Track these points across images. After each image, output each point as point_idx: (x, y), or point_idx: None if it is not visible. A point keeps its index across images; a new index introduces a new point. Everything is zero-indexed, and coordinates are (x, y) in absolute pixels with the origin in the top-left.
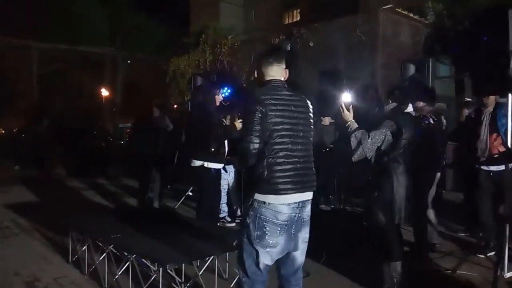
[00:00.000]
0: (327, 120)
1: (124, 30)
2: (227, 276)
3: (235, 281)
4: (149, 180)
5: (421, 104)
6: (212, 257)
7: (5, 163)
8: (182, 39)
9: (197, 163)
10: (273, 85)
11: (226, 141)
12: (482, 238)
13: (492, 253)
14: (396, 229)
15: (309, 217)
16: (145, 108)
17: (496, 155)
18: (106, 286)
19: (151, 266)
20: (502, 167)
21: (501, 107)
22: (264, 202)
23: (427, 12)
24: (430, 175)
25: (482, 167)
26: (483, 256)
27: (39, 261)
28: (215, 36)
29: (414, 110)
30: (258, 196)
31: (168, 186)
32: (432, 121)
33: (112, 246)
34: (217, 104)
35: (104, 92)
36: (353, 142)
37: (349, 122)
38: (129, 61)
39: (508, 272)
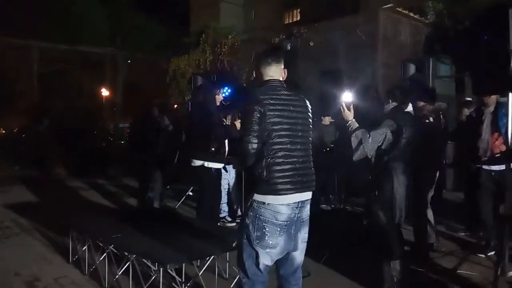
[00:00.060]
0: (327, 120)
1: (124, 30)
2: (227, 276)
3: (235, 281)
4: (148, 180)
5: (421, 103)
6: (213, 257)
7: (5, 163)
8: (182, 39)
9: (198, 162)
10: (272, 85)
11: (226, 141)
12: (483, 237)
13: (492, 252)
14: (397, 228)
15: (308, 217)
16: (144, 108)
17: (498, 155)
18: (106, 286)
19: (152, 266)
20: (504, 167)
21: (502, 107)
22: (264, 203)
23: (427, 11)
24: (430, 174)
25: (483, 166)
26: (483, 255)
27: (40, 261)
28: (215, 35)
29: (414, 109)
30: (257, 197)
31: (168, 187)
32: (432, 121)
33: (112, 246)
34: (218, 104)
35: (105, 92)
36: (354, 141)
37: (349, 122)
38: (129, 61)
39: (509, 271)
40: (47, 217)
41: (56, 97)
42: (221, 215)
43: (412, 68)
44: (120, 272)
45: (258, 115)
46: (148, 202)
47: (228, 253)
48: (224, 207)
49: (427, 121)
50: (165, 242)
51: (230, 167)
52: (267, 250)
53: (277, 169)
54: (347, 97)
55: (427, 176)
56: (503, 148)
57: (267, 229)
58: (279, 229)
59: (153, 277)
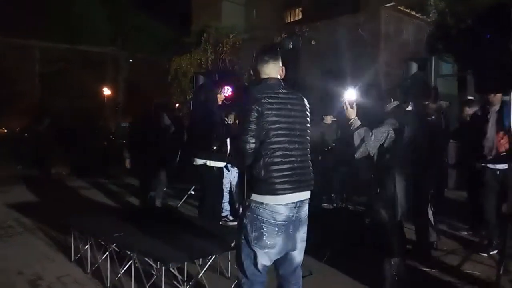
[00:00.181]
0: (329, 119)
1: (126, 29)
2: (229, 275)
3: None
4: (149, 179)
5: (423, 102)
6: (214, 255)
7: (8, 162)
8: (184, 38)
9: (200, 161)
10: (270, 83)
11: (228, 140)
12: (485, 236)
13: (495, 251)
14: (398, 227)
15: (306, 216)
16: (144, 107)
17: (503, 153)
18: (108, 285)
19: (154, 265)
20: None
21: (505, 105)
22: (262, 203)
23: (429, 10)
24: (431, 173)
25: (488, 165)
26: (485, 254)
27: (42, 260)
28: (217, 35)
29: (416, 108)
30: (255, 197)
31: (164, 189)
32: (433, 119)
33: (114, 245)
34: (219, 103)
35: (106, 92)
36: (356, 139)
37: (352, 119)
38: (130, 60)
39: None
40: (49, 216)
41: (57, 97)
42: (223, 214)
43: (414, 67)
44: (122, 271)
45: (256, 114)
46: (150, 201)
47: (230, 252)
48: (226, 206)
49: (429, 119)
50: (167, 241)
51: (231, 166)
52: (265, 250)
53: (275, 169)
54: (350, 95)
55: (428, 174)
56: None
57: (265, 229)
58: (277, 229)
59: (155, 276)
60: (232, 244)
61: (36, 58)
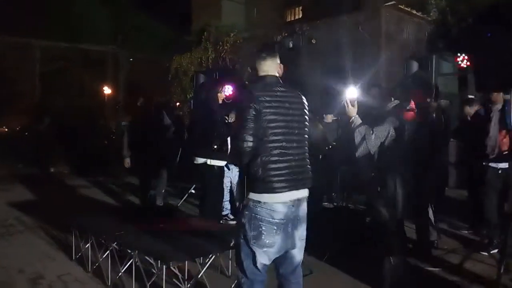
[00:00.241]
0: (329, 118)
1: (126, 28)
2: (230, 274)
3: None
4: (150, 178)
5: (423, 101)
6: (215, 254)
7: (8, 161)
8: (184, 37)
9: (200, 160)
10: (267, 81)
11: (228, 139)
12: (486, 235)
13: (495, 250)
14: (399, 225)
15: (305, 215)
16: (144, 106)
17: (505, 152)
18: (109, 284)
19: (154, 264)
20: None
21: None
22: (259, 202)
23: (430, 8)
24: (432, 172)
25: (490, 164)
26: (486, 253)
27: (43, 258)
28: (217, 33)
29: (417, 107)
30: (253, 196)
31: (164, 190)
32: (434, 118)
33: (115, 243)
34: (220, 102)
35: (107, 91)
36: (357, 137)
37: (353, 118)
38: (131, 59)
39: None
40: (50, 215)
41: (58, 96)
42: (224, 213)
43: (415, 66)
44: (123, 270)
45: (254, 113)
46: (151, 200)
47: (230, 250)
48: (227, 204)
49: (429, 117)
50: (168, 239)
51: (232, 165)
52: (264, 249)
53: (272, 167)
54: (351, 93)
55: (428, 173)
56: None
57: (263, 228)
58: (275, 228)
59: (156, 275)
60: (231, 244)
61: (36, 57)
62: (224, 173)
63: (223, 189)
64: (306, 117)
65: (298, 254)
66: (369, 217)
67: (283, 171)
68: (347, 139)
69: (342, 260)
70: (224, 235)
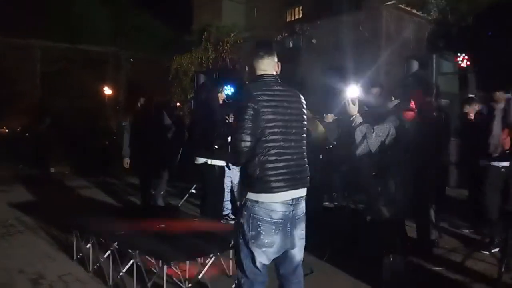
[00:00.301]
0: (330, 117)
1: (126, 29)
2: (230, 273)
3: None
4: (150, 178)
5: (424, 100)
6: (216, 254)
7: (9, 162)
8: (185, 37)
9: (201, 160)
10: (265, 80)
11: (229, 139)
12: (486, 234)
13: (496, 249)
14: (400, 224)
15: (304, 214)
16: (145, 106)
17: (507, 151)
18: (110, 283)
19: (155, 263)
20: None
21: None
22: (257, 201)
23: (430, 8)
24: (432, 171)
25: (492, 163)
26: (487, 252)
27: (44, 258)
28: (218, 34)
29: (417, 106)
30: (250, 195)
31: (164, 190)
32: (434, 117)
33: (116, 243)
34: (220, 101)
35: (107, 91)
36: (358, 135)
37: (354, 116)
38: (131, 60)
39: None
40: (51, 215)
41: (58, 96)
42: (224, 213)
43: (415, 65)
44: (124, 270)
45: (252, 112)
46: (151, 200)
47: (231, 250)
48: (227, 204)
49: (430, 117)
50: (169, 239)
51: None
52: (263, 249)
53: (270, 167)
54: (352, 91)
55: (429, 173)
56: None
57: (262, 228)
58: (274, 227)
59: (157, 275)
60: (230, 245)
61: (37, 57)
62: (224, 173)
63: (223, 189)
64: (304, 116)
65: (298, 253)
66: (369, 216)
67: (281, 171)
68: (348, 139)
69: (342, 259)
70: (225, 235)
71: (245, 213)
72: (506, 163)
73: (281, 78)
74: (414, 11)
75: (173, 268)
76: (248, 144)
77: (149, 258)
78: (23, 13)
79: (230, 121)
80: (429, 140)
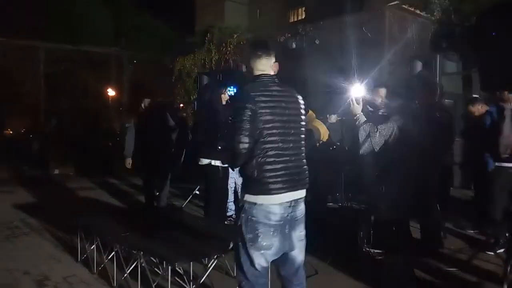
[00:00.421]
0: (333, 118)
1: (129, 30)
2: (235, 274)
3: None
4: (153, 180)
5: (428, 100)
6: (220, 255)
7: (14, 163)
8: (188, 38)
9: (205, 161)
10: (263, 80)
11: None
12: (491, 235)
13: (502, 250)
14: (404, 225)
15: (303, 215)
16: (148, 107)
17: None
18: (115, 285)
19: (160, 265)
20: None
21: None
22: (255, 203)
23: (433, 8)
24: (437, 171)
25: (502, 164)
26: (492, 253)
27: (48, 260)
28: (221, 35)
29: (421, 106)
30: (248, 197)
31: (167, 191)
32: (439, 117)
33: (120, 245)
34: (223, 103)
35: (111, 92)
36: (362, 135)
37: (357, 115)
38: (135, 61)
39: None
40: (55, 216)
41: (62, 97)
42: (228, 214)
43: (419, 65)
44: (129, 271)
45: (250, 113)
46: (155, 201)
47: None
48: (231, 205)
49: (437, 115)
50: (173, 240)
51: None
52: (262, 251)
53: (268, 169)
54: (356, 91)
55: (433, 172)
56: None
57: (260, 230)
58: (272, 230)
59: (162, 276)
60: (229, 247)
61: (40, 59)
62: (228, 174)
63: (227, 190)
64: (303, 116)
65: (298, 255)
66: (373, 217)
67: (280, 172)
68: (351, 139)
69: (346, 260)
70: (229, 236)
71: (243, 215)
72: None
73: (285, 78)
74: (418, 11)
75: (178, 269)
76: (246, 145)
77: (153, 259)
78: (26, 14)
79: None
80: (433, 140)
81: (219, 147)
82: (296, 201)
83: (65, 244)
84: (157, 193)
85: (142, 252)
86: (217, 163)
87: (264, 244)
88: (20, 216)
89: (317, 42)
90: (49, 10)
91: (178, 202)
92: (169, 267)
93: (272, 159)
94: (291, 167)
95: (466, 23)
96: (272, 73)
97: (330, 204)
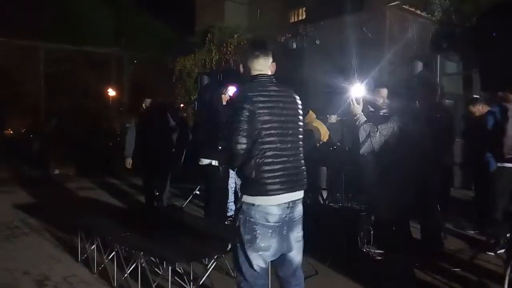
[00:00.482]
0: (333, 118)
1: (129, 30)
2: (235, 275)
3: None
4: (154, 180)
5: (428, 100)
6: (221, 255)
7: (14, 163)
8: (188, 39)
9: (205, 161)
10: (261, 80)
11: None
12: (492, 235)
13: (502, 250)
14: (405, 225)
15: (300, 216)
16: (149, 107)
17: None
18: (115, 285)
19: (160, 265)
20: None
21: None
22: (253, 204)
23: (434, 8)
24: (437, 171)
25: (505, 164)
26: (492, 253)
27: (49, 260)
28: (221, 35)
29: (421, 106)
30: (246, 198)
31: (167, 191)
32: (439, 118)
33: (121, 245)
34: (224, 103)
35: (111, 92)
36: (362, 134)
37: (358, 115)
38: (135, 61)
39: None
40: (55, 216)
41: (63, 97)
42: (229, 214)
43: (419, 66)
44: (129, 271)
45: (247, 114)
46: (156, 201)
47: None
48: (231, 205)
49: (437, 115)
50: (173, 241)
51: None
52: (260, 252)
53: (266, 169)
54: (356, 91)
55: (433, 173)
56: None
57: (258, 231)
58: (270, 231)
59: (162, 276)
60: (228, 249)
61: (41, 59)
62: (229, 174)
63: (227, 190)
64: (300, 117)
65: (296, 256)
66: (373, 217)
67: (278, 173)
68: (352, 139)
69: (346, 261)
70: (229, 236)
71: (241, 216)
72: None
73: (285, 79)
74: (418, 11)
75: (178, 269)
76: (244, 146)
77: (153, 259)
78: (26, 14)
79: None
80: (433, 141)
81: (220, 147)
82: (294, 202)
83: (65, 244)
84: (157, 193)
85: (142, 252)
86: (218, 163)
87: (262, 245)
88: (20, 216)
89: (317, 42)
90: (49, 10)
91: (179, 202)
92: (169, 267)
93: (270, 160)
94: (289, 167)
95: (466, 23)
96: (269, 73)
97: (331, 204)
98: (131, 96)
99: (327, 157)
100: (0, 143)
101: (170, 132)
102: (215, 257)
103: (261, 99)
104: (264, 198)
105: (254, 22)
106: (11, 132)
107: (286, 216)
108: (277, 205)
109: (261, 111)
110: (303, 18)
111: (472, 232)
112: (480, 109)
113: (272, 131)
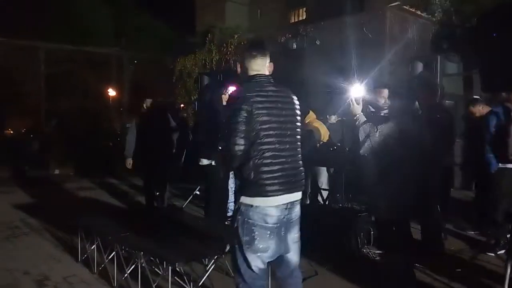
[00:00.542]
0: (333, 118)
1: (129, 30)
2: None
3: None
4: (154, 180)
5: (429, 101)
6: (221, 255)
7: (14, 163)
8: (188, 39)
9: (205, 162)
10: (258, 80)
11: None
12: (492, 236)
13: (502, 251)
14: (404, 224)
15: (298, 218)
16: (149, 108)
17: None
18: (115, 285)
19: (160, 265)
20: None
21: None
22: (251, 205)
23: (434, 9)
24: (437, 172)
25: (507, 165)
26: (493, 254)
27: (49, 260)
28: (221, 35)
29: (421, 107)
30: (244, 199)
31: (167, 192)
32: (439, 118)
33: (121, 245)
34: (224, 103)
35: (111, 92)
36: (361, 134)
37: (357, 115)
38: (136, 61)
39: None
40: (55, 216)
41: (63, 97)
42: (229, 214)
43: (420, 66)
44: (129, 271)
45: (245, 114)
46: (156, 201)
47: None
48: (232, 206)
49: (437, 116)
50: (174, 241)
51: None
52: (258, 254)
53: (265, 170)
54: (356, 91)
55: (433, 173)
56: None
57: (256, 233)
58: (269, 232)
59: (162, 276)
60: (226, 250)
61: (41, 59)
62: (229, 174)
63: (227, 190)
64: (298, 117)
65: (293, 256)
66: (374, 217)
67: (277, 174)
68: (352, 140)
69: (346, 261)
70: (229, 236)
71: (239, 217)
72: None
73: (285, 79)
74: (418, 12)
75: (178, 269)
76: (242, 147)
77: (153, 259)
78: (26, 14)
79: None
80: (434, 141)
81: (220, 148)
82: (293, 203)
83: (65, 244)
84: (158, 194)
85: (142, 252)
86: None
87: (261, 246)
88: (20, 216)
89: (317, 42)
90: (49, 10)
91: (179, 203)
92: (170, 268)
93: (269, 161)
94: (288, 168)
95: (467, 24)
96: (267, 73)
97: (331, 204)
98: (131, 96)
99: (327, 157)
100: (0, 143)
101: (170, 132)
102: (215, 257)
103: (259, 99)
104: (263, 199)
105: (255, 22)
106: (12, 132)
107: (284, 217)
108: (275, 206)
109: (260, 111)
110: (304, 18)
111: (472, 232)
112: (480, 109)
113: (271, 132)
